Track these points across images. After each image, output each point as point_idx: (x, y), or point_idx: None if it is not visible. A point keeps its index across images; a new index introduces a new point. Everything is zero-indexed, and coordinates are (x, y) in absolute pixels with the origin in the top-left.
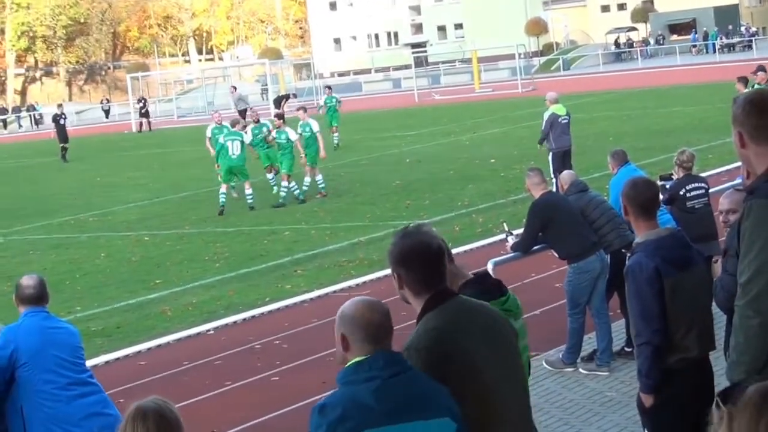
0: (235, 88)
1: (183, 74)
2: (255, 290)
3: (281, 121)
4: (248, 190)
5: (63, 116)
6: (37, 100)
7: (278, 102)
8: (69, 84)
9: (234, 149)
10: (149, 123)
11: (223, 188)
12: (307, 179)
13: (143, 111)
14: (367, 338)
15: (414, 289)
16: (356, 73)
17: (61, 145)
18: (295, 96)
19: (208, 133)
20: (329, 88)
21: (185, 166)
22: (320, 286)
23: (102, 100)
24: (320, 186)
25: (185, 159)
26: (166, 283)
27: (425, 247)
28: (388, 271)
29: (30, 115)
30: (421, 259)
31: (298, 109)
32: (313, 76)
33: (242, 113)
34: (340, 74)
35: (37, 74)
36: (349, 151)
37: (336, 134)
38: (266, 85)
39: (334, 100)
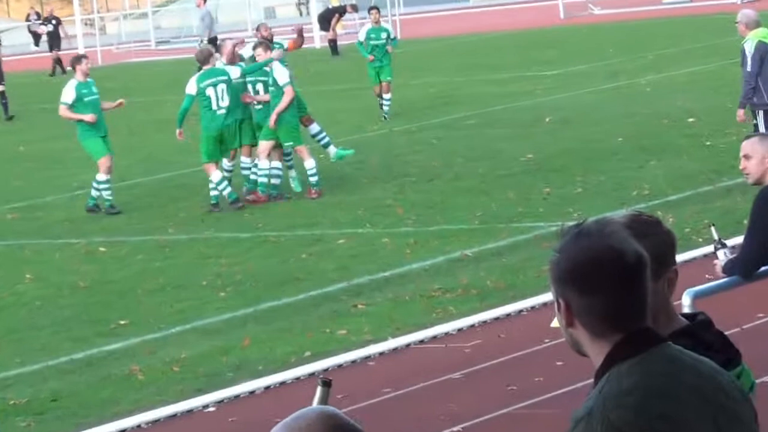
0: None
1: None
2: (286, 338)
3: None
4: (227, 165)
5: None
6: None
7: (326, 18)
8: None
9: (220, 99)
10: (60, 60)
11: (215, 172)
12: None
13: (51, 36)
14: None
15: (593, 326)
16: None
17: None
18: (355, 9)
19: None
20: (375, 9)
21: (168, 127)
22: (397, 331)
23: (29, 15)
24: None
25: (168, 115)
26: (135, 325)
27: (616, 256)
28: (519, 305)
29: None
30: (607, 277)
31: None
32: None
33: (212, 42)
34: None
35: None
36: (444, 104)
37: (386, 99)
38: None
39: (383, 34)
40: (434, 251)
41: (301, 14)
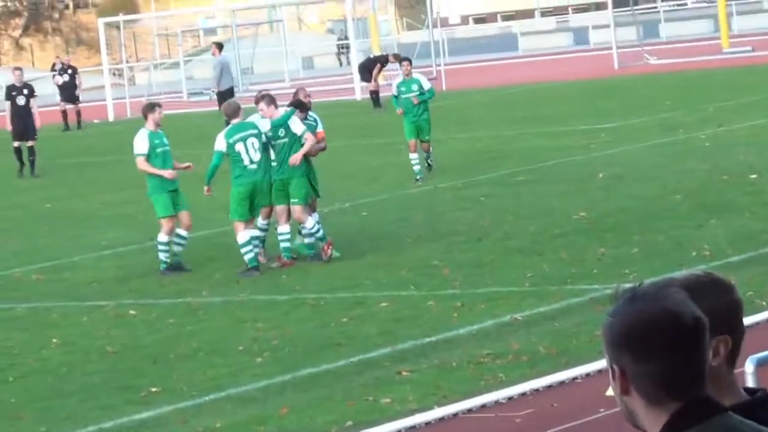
0: (219, 47)
1: (198, 19)
2: (326, 407)
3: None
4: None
5: (23, 88)
6: None
7: (367, 68)
8: None
9: (251, 154)
10: (78, 112)
11: (243, 232)
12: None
13: (67, 87)
14: None
15: (649, 393)
16: (506, 17)
17: (17, 143)
18: (400, 60)
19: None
20: (407, 61)
21: (202, 182)
22: (443, 400)
23: (54, 65)
24: (312, 235)
25: (202, 170)
26: (167, 392)
27: (672, 319)
28: (572, 372)
29: None
30: (663, 342)
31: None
32: (429, 22)
33: (227, 96)
34: (478, 19)
35: None
36: (492, 158)
37: (427, 155)
38: (345, 37)
39: (415, 85)
40: (483, 315)
41: (340, 64)
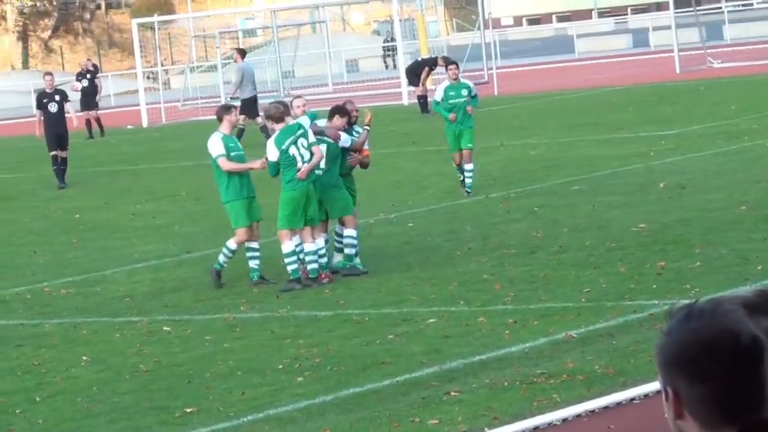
0: (241, 53)
1: (237, 20)
2: (370, 429)
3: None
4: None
5: (55, 94)
6: None
7: (415, 72)
8: (24, 37)
9: (304, 154)
10: (98, 120)
11: (288, 241)
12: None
13: (86, 93)
14: None
15: (704, 417)
16: (561, 18)
17: (53, 153)
18: (449, 63)
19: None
20: (454, 64)
21: None
22: (494, 422)
23: (83, 67)
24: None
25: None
26: (202, 413)
27: (729, 339)
28: (630, 392)
29: None
30: (720, 363)
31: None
32: (481, 23)
33: (251, 104)
34: (532, 20)
35: None
36: (547, 167)
37: (467, 170)
38: (392, 38)
39: (464, 90)
40: (536, 332)
41: (386, 67)
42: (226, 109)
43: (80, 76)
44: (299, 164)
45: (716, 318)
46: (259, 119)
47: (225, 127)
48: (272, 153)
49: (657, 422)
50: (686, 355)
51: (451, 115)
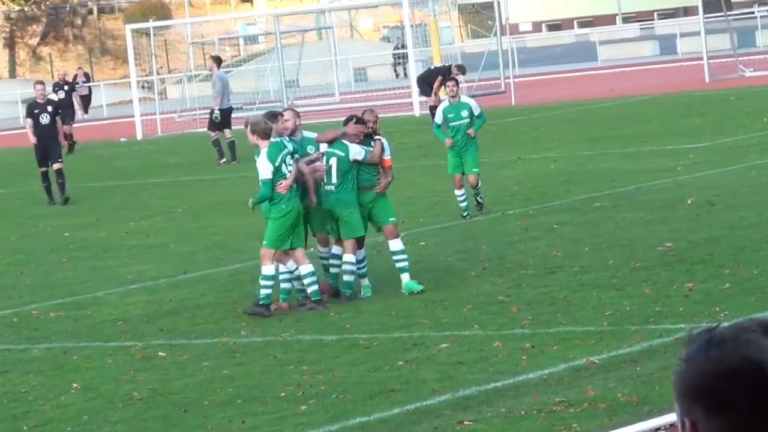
0: (217, 62)
1: (238, 26)
2: None
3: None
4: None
5: (47, 105)
6: None
7: (427, 81)
8: (10, 44)
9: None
10: (71, 135)
11: (269, 264)
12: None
13: (63, 105)
14: None
15: None
16: (583, 23)
17: (44, 169)
18: (462, 70)
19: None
20: (452, 81)
21: (239, 209)
22: None
23: (76, 77)
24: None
25: (239, 196)
26: None
27: (753, 371)
28: (655, 422)
29: None
30: (741, 394)
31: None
32: (497, 29)
33: (227, 116)
34: (552, 26)
35: None
36: (567, 182)
37: (477, 190)
38: (403, 45)
39: (465, 111)
40: (555, 358)
41: (397, 75)
42: (272, 116)
43: (57, 87)
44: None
45: (738, 346)
46: (213, 134)
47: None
48: (266, 170)
49: None
50: (705, 385)
51: (447, 141)
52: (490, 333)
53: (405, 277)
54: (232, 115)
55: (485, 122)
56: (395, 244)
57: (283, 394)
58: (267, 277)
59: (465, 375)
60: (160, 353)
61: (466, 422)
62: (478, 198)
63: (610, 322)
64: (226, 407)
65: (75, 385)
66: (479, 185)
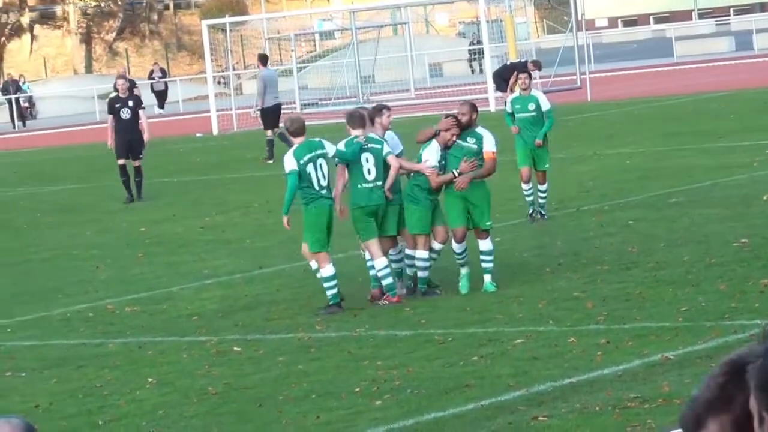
0: (262, 60)
1: (314, 21)
2: None
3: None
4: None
5: (128, 99)
6: (24, 70)
7: (502, 76)
8: (87, 40)
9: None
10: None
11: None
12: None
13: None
14: None
15: None
16: (659, 19)
17: (121, 162)
18: (538, 66)
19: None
20: (524, 74)
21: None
22: None
23: (152, 72)
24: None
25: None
26: None
27: None
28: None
29: (10, 100)
30: None
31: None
32: (573, 25)
33: (270, 114)
34: (627, 22)
35: (24, 20)
36: (643, 178)
37: (541, 190)
38: (479, 41)
39: (531, 104)
40: (630, 353)
41: (472, 71)
42: (378, 110)
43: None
44: (315, 186)
45: None
46: (269, 133)
47: (378, 129)
48: (290, 164)
49: None
50: None
51: (514, 128)
52: (565, 329)
53: (487, 278)
54: (308, 110)
55: (553, 125)
56: (485, 244)
57: (357, 390)
58: (327, 279)
59: (540, 371)
60: (235, 348)
61: (540, 418)
62: (541, 211)
63: (685, 318)
64: (301, 402)
65: (150, 379)
66: (546, 185)
